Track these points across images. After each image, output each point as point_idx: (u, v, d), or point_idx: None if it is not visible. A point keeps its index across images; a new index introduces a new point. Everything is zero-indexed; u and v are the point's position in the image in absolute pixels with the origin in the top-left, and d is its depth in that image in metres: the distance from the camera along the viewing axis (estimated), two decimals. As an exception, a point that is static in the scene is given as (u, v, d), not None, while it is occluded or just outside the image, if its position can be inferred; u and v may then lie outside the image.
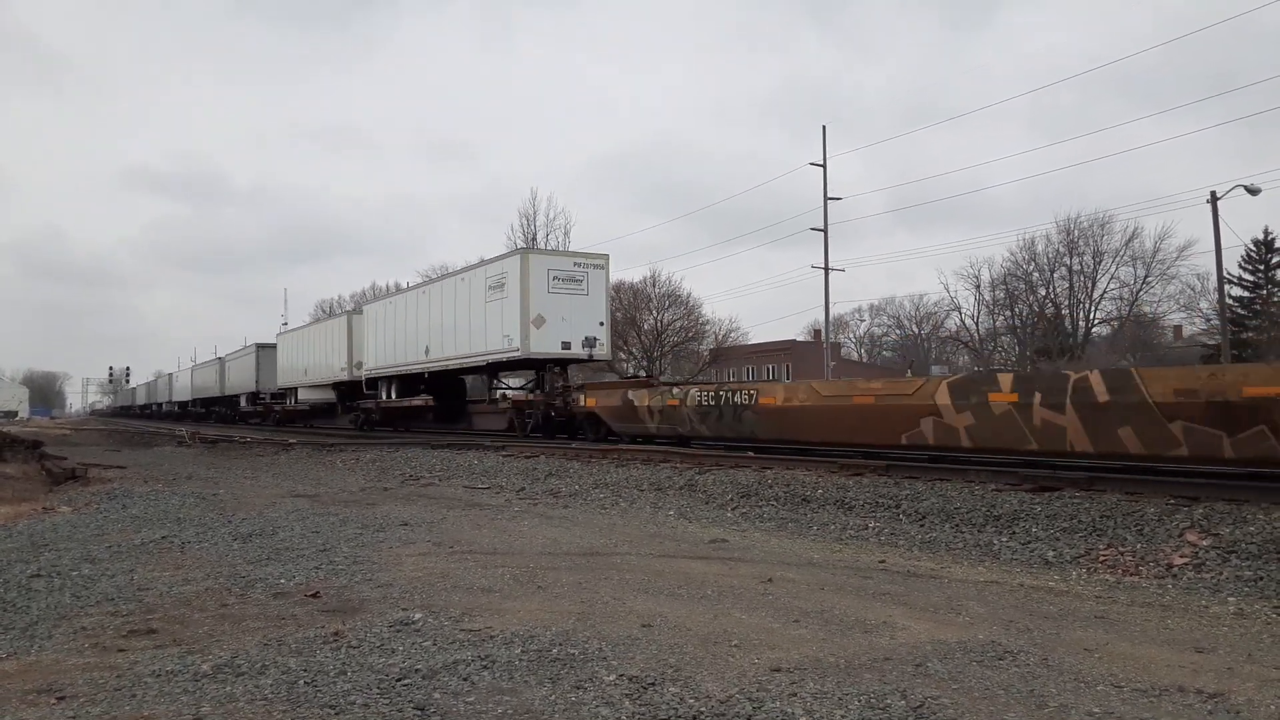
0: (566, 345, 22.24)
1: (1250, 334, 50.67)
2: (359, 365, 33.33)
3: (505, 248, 51.63)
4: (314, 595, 5.70)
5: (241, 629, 4.89)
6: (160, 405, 79.80)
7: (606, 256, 23.39)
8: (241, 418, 50.71)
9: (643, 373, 45.59)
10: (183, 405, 69.52)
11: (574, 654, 4.27)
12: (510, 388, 26.47)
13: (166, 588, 6.06)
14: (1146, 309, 58.52)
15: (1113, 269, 59.07)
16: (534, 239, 54.14)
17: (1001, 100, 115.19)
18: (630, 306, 61.23)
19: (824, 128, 62.59)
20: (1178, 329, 59.66)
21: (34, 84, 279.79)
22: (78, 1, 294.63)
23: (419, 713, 3.54)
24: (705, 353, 64.82)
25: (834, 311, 55.78)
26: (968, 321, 70.93)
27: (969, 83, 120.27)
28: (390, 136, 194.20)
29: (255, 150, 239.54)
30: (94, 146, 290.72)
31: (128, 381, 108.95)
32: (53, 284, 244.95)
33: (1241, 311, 52.85)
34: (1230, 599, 5.60)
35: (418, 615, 5.04)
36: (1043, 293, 61.89)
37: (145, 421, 73.33)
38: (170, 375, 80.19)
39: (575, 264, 22.83)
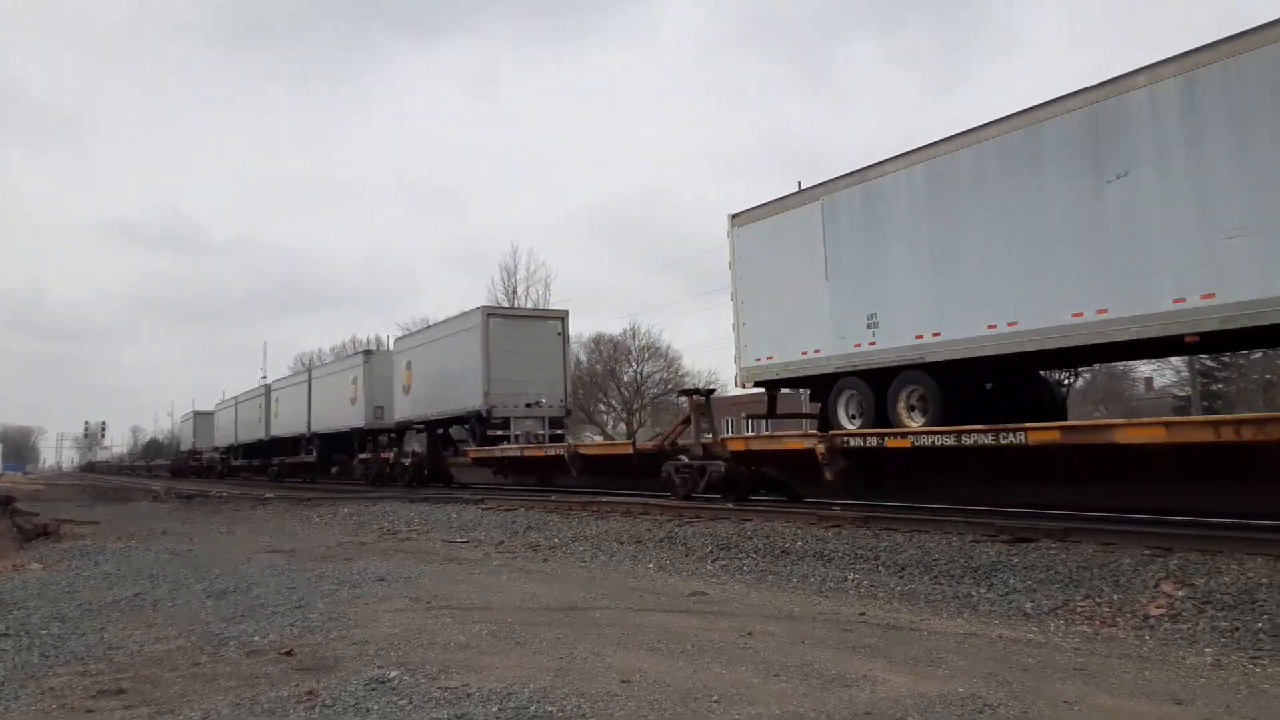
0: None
1: (1220, 385, 51.26)
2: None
3: (487, 299, 52.61)
4: (288, 653, 5.62)
5: (213, 688, 4.82)
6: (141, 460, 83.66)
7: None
8: (192, 471, 58.46)
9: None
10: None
11: (552, 711, 4.23)
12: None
13: (138, 646, 5.96)
14: (1118, 362, 59.14)
15: (1086, 321, 59.81)
16: (514, 292, 54.60)
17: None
18: (610, 359, 61.33)
19: (799, 183, 63.25)
20: (1149, 381, 60.26)
21: (11, 133, 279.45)
22: (57, 50, 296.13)
23: (394, 773, 3.50)
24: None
25: (813, 363, 56.04)
26: (945, 372, 71.40)
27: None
28: (374, 188, 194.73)
29: (236, 202, 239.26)
30: (72, 197, 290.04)
31: (103, 436, 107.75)
32: (28, 337, 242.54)
33: (1211, 364, 53.49)
34: (1207, 650, 5.63)
35: (394, 673, 4.98)
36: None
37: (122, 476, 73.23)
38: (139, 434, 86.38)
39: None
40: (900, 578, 8.29)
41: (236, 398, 51.70)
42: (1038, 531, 8.87)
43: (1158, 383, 58.18)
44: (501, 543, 12.59)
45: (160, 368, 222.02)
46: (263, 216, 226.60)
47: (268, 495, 25.93)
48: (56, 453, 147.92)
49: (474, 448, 23.32)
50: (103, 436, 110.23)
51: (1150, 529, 8.69)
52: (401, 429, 29.19)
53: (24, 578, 9.60)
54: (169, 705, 4.50)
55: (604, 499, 15.84)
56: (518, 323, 25.05)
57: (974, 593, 7.53)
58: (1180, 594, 6.66)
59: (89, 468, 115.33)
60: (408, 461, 28.08)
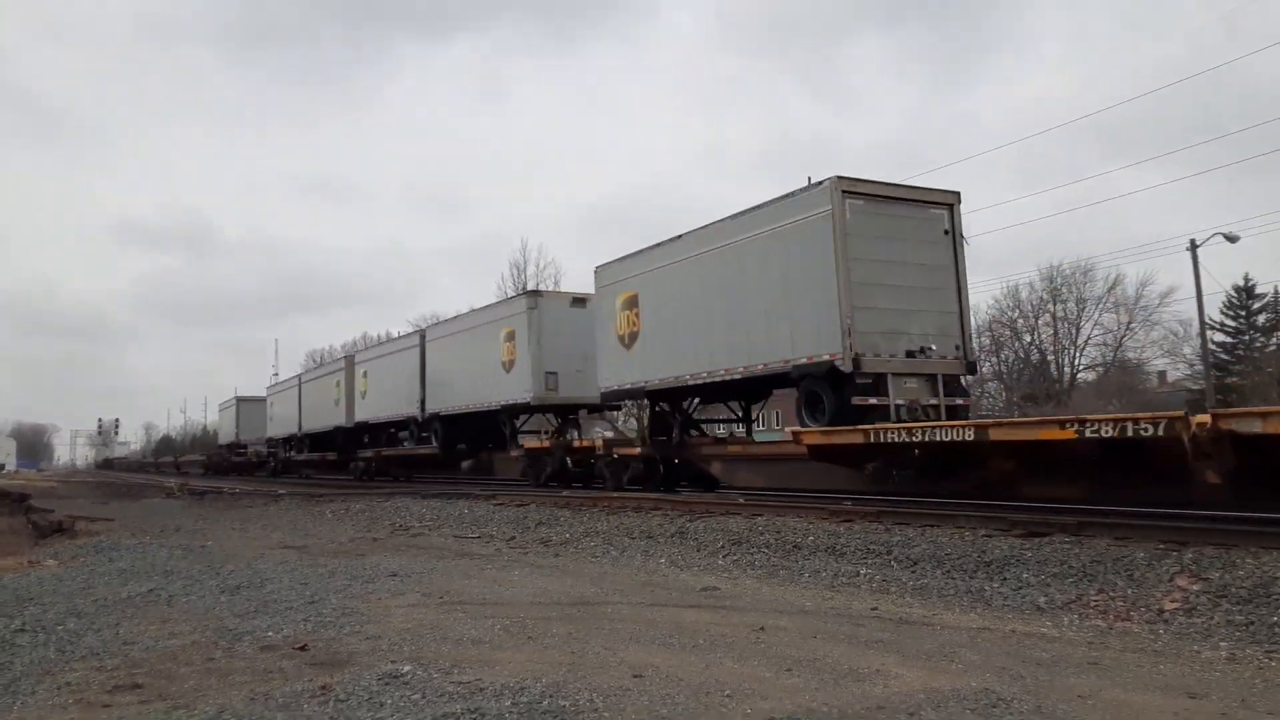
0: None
1: (1234, 379, 50.98)
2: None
3: (496, 297, 51.69)
4: (302, 648, 5.65)
5: (228, 683, 4.84)
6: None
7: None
8: (234, 468, 52.11)
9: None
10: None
11: (564, 705, 4.24)
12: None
13: (153, 641, 5.99)
14: (1131, 355, 58.88)
15: (1096, 315, 59.60)
16: (524, 289, 54.30)
17: (986, 151, 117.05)
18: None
19: (809, 179, 63.22)
20: (1162, 375, 59.99)
21: (25, 137, 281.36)
22: (70, 54, 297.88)
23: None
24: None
25: (823, 358, 55.73)
26: (956, 367, 71.29)
27: (955, 135, 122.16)
28: (382, 186, 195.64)
29: (246, 201, 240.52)
30: (85, 199, 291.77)
31: (116, 433, 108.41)
32: (42, 336, 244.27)
33: (1225, 357, 53.21)
34: (1222, 644, 5.59)
35: (407, 668, 5.00)
36: (1028, 339, 62.33)
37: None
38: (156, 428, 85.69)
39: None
40: (913, 572, 8.27)
41: (299, 376, 42.87)
42: (1051, 526, 8.84)
43: (1171, 376, 57.97)
44: (513, 538, 12.61)
45: (170, 365, 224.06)
46: (271, 215, 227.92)
47: (280, 492, 26.02)
48: (70, 450, 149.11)
49: (815, 429, 13.70)
50: (116, 434, 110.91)
51: (1164, 523, 8.65)
52: (617, 400, 19.67)
53: (40, 574, 9.67)
54: (184, 700, 4.52)
55: (613, 495, 15.76)
56: (887, 208, 14.37)
57: (987, 587, 7.50)
58: (1195, 588, 6.63)
59: (106, 464, 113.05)
60: (638, 450, 18.34)
